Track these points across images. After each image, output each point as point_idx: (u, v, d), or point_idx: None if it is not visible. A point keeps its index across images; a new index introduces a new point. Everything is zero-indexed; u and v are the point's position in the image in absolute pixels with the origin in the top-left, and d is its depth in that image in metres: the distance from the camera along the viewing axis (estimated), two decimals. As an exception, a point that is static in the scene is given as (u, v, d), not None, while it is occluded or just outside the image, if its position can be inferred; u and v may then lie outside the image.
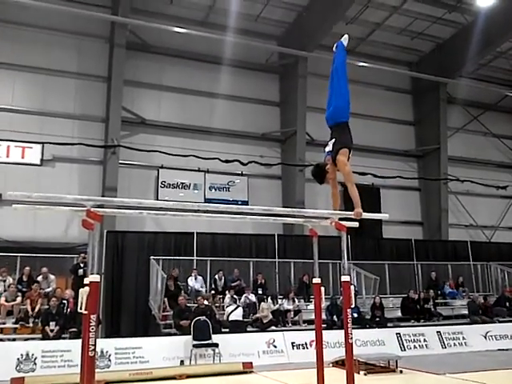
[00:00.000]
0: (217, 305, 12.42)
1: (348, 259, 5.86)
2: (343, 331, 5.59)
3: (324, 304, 6.39)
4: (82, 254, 12.04)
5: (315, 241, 6.31)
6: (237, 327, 11.54)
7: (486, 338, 12.60)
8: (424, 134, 20.07)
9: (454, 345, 12.19)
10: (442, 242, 18.54)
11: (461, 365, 9.81)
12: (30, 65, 15.00)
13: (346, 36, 6.22)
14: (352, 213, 5.51)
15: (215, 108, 16.95)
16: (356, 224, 6.05)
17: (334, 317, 12.56)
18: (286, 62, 17.80)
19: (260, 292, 13.35)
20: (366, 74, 18.54)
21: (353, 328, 5.67)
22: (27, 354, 9.04)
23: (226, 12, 16.05)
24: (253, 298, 12.83)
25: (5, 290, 11.37)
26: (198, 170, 16.43)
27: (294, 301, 13.17)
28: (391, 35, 18.33)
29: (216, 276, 13.54)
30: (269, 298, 12.88)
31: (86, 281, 4.46)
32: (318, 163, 5.97)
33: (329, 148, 5.81)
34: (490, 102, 21.33)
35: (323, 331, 6.34)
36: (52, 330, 10.33)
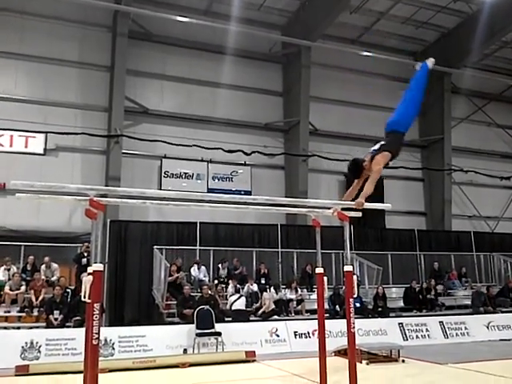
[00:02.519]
0: (220, 294, 12.47)
1: (351, 249, 5.88)
2: (346, 321, 5.61)
3: (327, 294, 6.42)
4: (86, 244, 12.11)
5: (318, 231, 6.32)
6: (240, 316, 11.59)
7: (488, 328, 12.60)
8: (428, 124, 19.93)
9: (457, 335, 12.20)
10: (445, 232, 18.52)
11: (463, 355, 9.82)
12: (33, 54, 14.96)
13: (432, 60, 6.31)
14: (353, 203, 5.51)
15: (218, 98, 16.89)
16: (359, 214, 6.06)
17: (337, 306, 12.58)
18: (290, 52, 17.70)
19: (263, 282, 13.40)
20: (370, 63, 18.47)
21: (355, 318, 5.68)
22: (31, 342, 9.12)
23: (229, 1, 15.90)
24: (255, 287, 12.86)
25: (9, 279, 11.46)
26: (201, 160, 16.41)
27: (296, 290, 13.22)
28: (395, 24, 18.17)
29: (219, 265, 13.59)
30: (272, 288, 12.92)
31: (90, 270, 4.48)
32: (355, 158, 6.13)
33: (375, 147, 5.95)
34: (495, 92, 21.19)
35: (326, 321, 6.36)
36: (56, 319, 10.41)
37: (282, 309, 12.53)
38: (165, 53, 16.60)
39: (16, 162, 14.12)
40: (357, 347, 6.24)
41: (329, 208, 6.05)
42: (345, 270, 5.73)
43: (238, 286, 12.69)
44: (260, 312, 12.12)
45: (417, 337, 11.86)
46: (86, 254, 11.88)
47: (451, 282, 15.95)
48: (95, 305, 4.33)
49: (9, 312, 11.03)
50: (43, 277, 11.73)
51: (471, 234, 18.03)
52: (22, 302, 11.13)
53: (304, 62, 17.20)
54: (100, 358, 4.49)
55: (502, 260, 17.19)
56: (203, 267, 13.30)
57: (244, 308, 11.93)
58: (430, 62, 6.32)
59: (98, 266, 4.46)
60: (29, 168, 14.00)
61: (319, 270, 6.28)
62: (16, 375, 7.95)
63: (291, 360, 9.40)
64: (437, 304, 14.32)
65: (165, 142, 15.63)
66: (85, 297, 4.39)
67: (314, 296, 12.24)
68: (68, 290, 11.34)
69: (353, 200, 5.73)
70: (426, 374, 7.89)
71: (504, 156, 21.35)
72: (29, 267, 12.07)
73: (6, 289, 11.16)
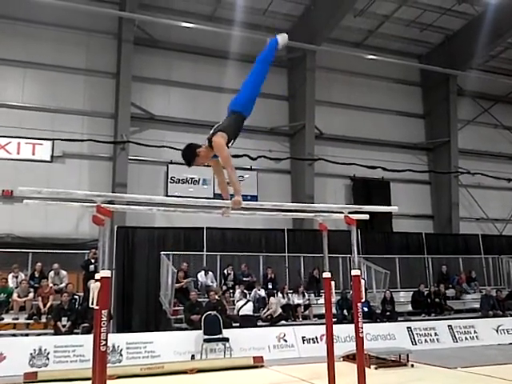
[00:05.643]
0: (227, 299, 12.43)
1: (358, 253, 5.86)
2: (354, 325, 5.59)
3: (334, 298, 6.39)
4: (93, 250, 12.11)
5: (325, 235, 6.30)
6: (247, 322, 11.55)
7: (497, 331, 12.51)
8: (434, 126, 19.91)
9: (466, 339, 12.11)
10: (453, 235, 18.41)
11: (472, 359, 9.75)
12: (40, 62, 15.06)
13: (284, 35, 5.59)
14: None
15: (223, 103, 16.70)
16: (366, 217, 6.04)
17: (345, 311, 12.53)
18: (294, 56, 17.70)
19: (270, 286, 13.35)
20: (375, 66, 18.49)
21: (363, 322, 5.67)
22: (40, 349, 9.12)
23: (233, 6, 15.98)
24: (263, 292, 12.83)
25: (17, 286, 11.48)
26: (207, 165, 16.35)
27: (304, 295, 13.18)
28: (400, 27, 18.16)
29: (225, 271, 13.56)
30: (279, 293, 12.88)
31: (97, 276, 4.49)
32: (190, 143, 5.52)
33: (211, 131, 5.35)
34: (501, 93, 21.11)
35: (333, 325, 6.34)
36: (64, 326, 10.42)
37: (290, 314, 12.49)
38: (170, 58, 16.67)
39: (23, 169, 14.18)
40: (365, 352, 6.20)
41: (336, 212, 6.05)
42: (352, 274, 5.72)
43: (246, 291, 12.66)
44: (265, 314, 12.04)
45: (425, 341, 11.78)
46: (93, 261, 11.88)
47: (464, 286, 15.76)
48: (103, 311, 4.34)
49: (17, 319, 11.04)
50: (51, 284, 11.76)
51: (479, 237, 17.89)
52: (30, 309, 11.15)
53: (309, 66, 17.21)
54: (108, 365, 4.50)
55: (511, 263, 17.06)
56: (210, 273, 13.28)
57: (251, 313, 11.89)
58: (282, 37, 5.52)
59: (106, 273, 4.47)
60: (36, 175, 14.05)
61: (326, 275, 6.27)
62: (24, 382, 7.95)
63: (299, 365, 9.35)
64: (445, 308, 14.22)
65: (171, 148, 15.63)
66: (92, 303, 4.40)
67: (322, 301, 12.16)
68: (76, 297, 11.36)
69: (356, 203, 5.69)
70: (435, 379, 7.84)
71: (511, 158, 21.23)
72: (37, 274, 12.08)
73: (15, 296, 11.18)
